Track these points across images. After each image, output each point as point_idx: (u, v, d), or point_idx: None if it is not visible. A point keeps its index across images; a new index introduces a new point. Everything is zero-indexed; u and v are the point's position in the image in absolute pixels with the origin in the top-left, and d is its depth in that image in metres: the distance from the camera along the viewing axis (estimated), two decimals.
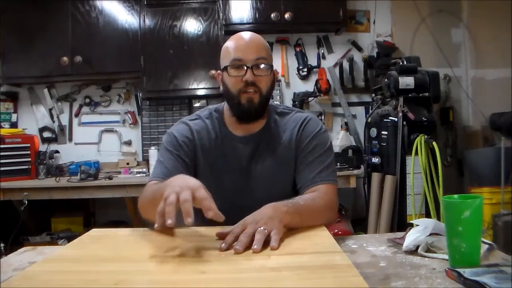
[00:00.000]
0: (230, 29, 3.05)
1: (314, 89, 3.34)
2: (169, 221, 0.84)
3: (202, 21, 3.14)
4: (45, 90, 3.43)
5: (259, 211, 1.01)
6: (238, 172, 1.28)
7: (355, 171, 2.81)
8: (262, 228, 0.93)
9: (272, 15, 3.10)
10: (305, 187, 1.22)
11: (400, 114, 2.69)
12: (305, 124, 1.29)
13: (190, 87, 3.14)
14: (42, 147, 3.35)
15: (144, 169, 3.08)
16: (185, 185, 0.91)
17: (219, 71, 1.29)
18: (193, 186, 0.91)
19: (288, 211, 1.03)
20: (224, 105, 1.33)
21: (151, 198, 1.09)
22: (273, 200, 1.06)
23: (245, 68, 1.20)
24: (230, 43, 1.25)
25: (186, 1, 3.16)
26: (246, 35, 1.26)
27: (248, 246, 0.89)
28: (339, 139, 3.23)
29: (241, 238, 0.91)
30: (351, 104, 3.41)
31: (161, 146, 1.33)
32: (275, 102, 2.70)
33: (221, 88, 1.28)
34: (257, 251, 0.87)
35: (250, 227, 0.94)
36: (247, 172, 1.28)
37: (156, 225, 0.90)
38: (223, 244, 0.91)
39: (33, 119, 3.45)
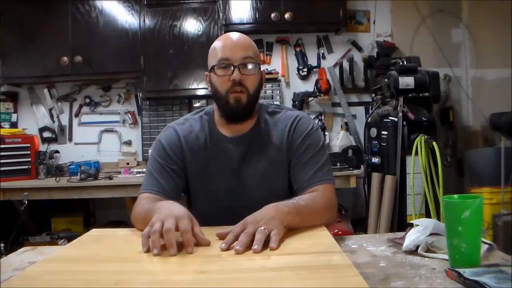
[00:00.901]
0: (230, 29, 3.05)
1: (314, 89, 3.35)
2: (155, 251, 0.87)
3: (202, 21, 3.14)
4: (45, 90, 3.43)
5: (260, 211, 1.01)
6: (230, 173, 1.27)
7: (355, 171, 2.81)
8: (262, 228, 0.93)
9: (272, 15, 3.10)
10: (303, 189, 1.21)
11: (400, 114, 2.69)
12: (296, 123, 1.28)
13: (190, 87, 3.15)
14: (42, 147, 3.35)
15: (144, 169, 3.07)
16: (169, 214, 0.93)
17: (206, 72, 1.28)
18: (177, 215, 0.93)
19: (290, 211, 1.02)
20: (214, 107, 1.32)
21: (143, 217, 1.10)
22: (267, 201, 1.05)
23: (232, 67, 1.19)
24: (217, 43, 1.24)
25: (186, 1, 3.16)
26: (233, 35, 1.25)
27: (249, 246, 0.89)
28: (339, 139, 3.23)
29: (241, 238, 0.90)
30: (351, 104, 3.41)
31: (151, 154, 1.32)
32: (275, 102, 2.69)
33: (209, 88, 1.28)
34: (257, 251, 0.87)
35: (251, 226, 0.94)
36: (238, 173, 1.27)
37: (143, 249, 0.90)
38: (223, 244, 0.91)
39: (33, 119, 3.45)
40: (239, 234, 0.92)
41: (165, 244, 0.88)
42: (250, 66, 1.21)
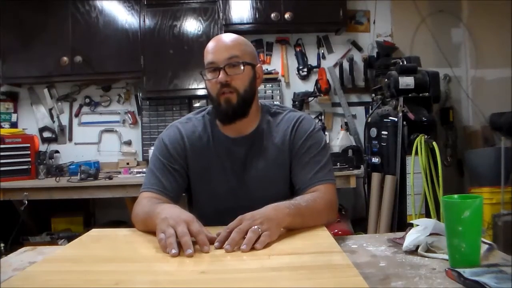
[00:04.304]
0: (230, 29, 3.04)
1: (314, 89, 3.34)
2: (173, 251, 0.87)
3: (202, 21, 3.14)
4: (45, 90, 3.43)
5: (260, 210, 1.01)
6: (232, 174, 1.27)
7: (355, 171, 2.81)
8: (256, 227, 0.93)
9: (272, 15, 3.10)
10: (304, 189, 1.22)
11: (400, 114, 2.69)
12: (298, 124, 1.28)
13: (190, 87, 3.15)
14: (42, 147, 3.35)
15: (144, 169, 3.07)
16: (179, 219, 0.94)
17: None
18: (187, 219, 0.95)
19: (290, 213, 1.02)
20: None
21: (143, 219, 1.11)
22: (269, 201, 1.05)
23: (218, 70, 1.19)
24: (207, 47, 1.25)
25: (186, 1, 3.16)
26: (220, 37, 1.26)
27: (239, 246, 0.90)
28: (339, 139, 3.23)
29: (233, 235, 0.91)
30: (351, 104, 3.41)
31: (153, 153, 1.32)
32: (276, 103, 2.68)
33: (207, 92, 1.28)
34: (244, 251, 0.88)
35: (245, 223, 0.94)
36: (240, 173, 1.27)
37: (171, 251, 0.88)
38: (217, 243, 0.92)
39: (33, 119, 3.45)
40: (233, 230, 0.93)
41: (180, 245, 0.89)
42: (236, 65, 1.20)
